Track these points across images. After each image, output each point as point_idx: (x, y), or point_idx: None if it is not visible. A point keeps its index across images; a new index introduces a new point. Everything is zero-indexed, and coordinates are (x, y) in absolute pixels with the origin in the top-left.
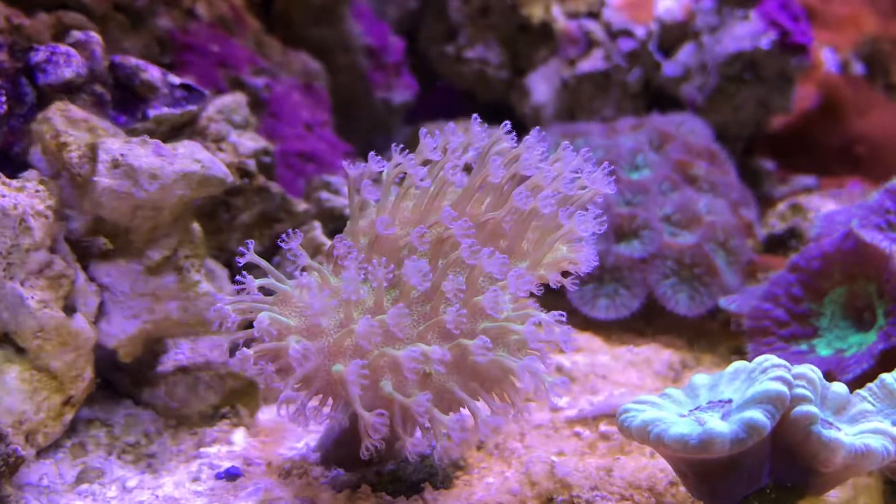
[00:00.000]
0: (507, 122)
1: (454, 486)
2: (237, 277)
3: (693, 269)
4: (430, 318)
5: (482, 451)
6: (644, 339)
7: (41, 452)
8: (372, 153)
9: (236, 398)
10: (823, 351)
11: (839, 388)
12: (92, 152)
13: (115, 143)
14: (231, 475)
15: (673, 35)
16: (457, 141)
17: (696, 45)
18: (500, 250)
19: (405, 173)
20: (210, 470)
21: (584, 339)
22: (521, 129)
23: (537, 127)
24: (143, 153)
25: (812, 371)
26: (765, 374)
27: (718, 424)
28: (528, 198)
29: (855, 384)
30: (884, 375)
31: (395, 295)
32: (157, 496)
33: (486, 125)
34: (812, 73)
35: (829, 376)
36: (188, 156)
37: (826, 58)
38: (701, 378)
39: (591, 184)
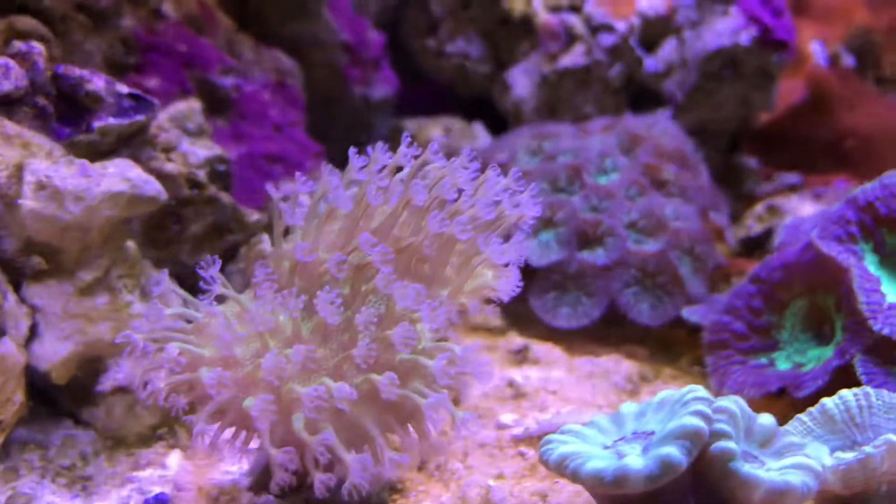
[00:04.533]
0: (434, 143)
1: None
2: (153, 303)
3: (656, 278)
4: (348, 348)
5: (423, 473)
6: (606, 349)
7: None
8: (299, 175)
9: (174, 419)
10: (783, 365)
11: (766, 420)
12: (19, 172)
13: (41, 164)
14: (159, 502)
15: (655, 30)
16: (384, 161)
17: (677, 41)
18: (423, 275)
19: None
20: (139, 496)
21: (545, 349)
22: (502, 124)
23: (483, 144)
24: (68, 174)
25: (734, 404)
26: (685, 408)
27: (633, 461)
28: (443, 222)
29: (810, 400)
30: (825, 400)
31: (316, 322)
32: None
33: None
34: (800, 67)
35: (787, 391)
36: (117, 175)
37: (815, 51)
38: (628, 406)
39: (515, 208)
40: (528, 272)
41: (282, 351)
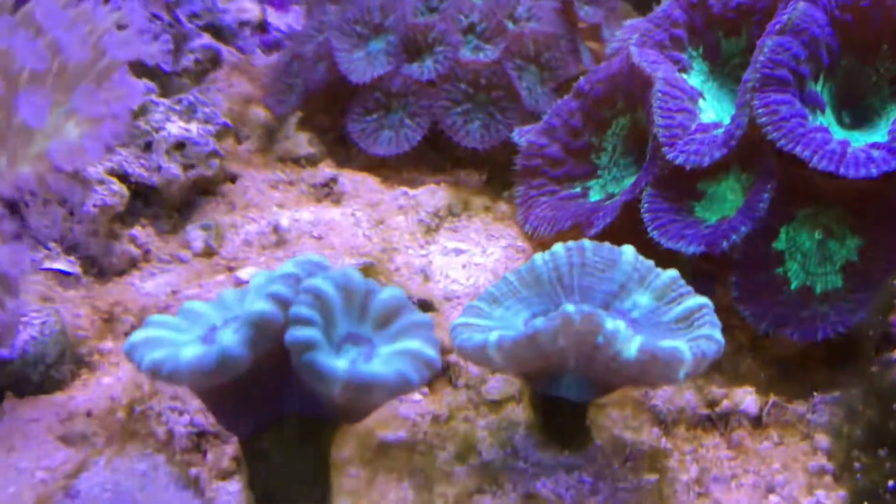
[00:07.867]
0: None
1: (68, 389)
2: None
3: (490, 93)
4: None
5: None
6: (436, 177)
7: None
8: None
9: None
10: (595, 195)
11: (388, 294)
12: None
13: None
14: None
15: None
16: None
17: None
18: None
19: None
20: None
21: (356, 181)
22: None
23: None
24: None
25: (326, 283)
26: (268, 286)
27: (186, 352)
28: None
29: (602, 239)
30: (535, 256)
31: None
32: None
33: None
34: None
35: (580, 228)
36: None
37: None
38: (258, 278)
39: (108, 49)
40: (349, 91)
41: None
